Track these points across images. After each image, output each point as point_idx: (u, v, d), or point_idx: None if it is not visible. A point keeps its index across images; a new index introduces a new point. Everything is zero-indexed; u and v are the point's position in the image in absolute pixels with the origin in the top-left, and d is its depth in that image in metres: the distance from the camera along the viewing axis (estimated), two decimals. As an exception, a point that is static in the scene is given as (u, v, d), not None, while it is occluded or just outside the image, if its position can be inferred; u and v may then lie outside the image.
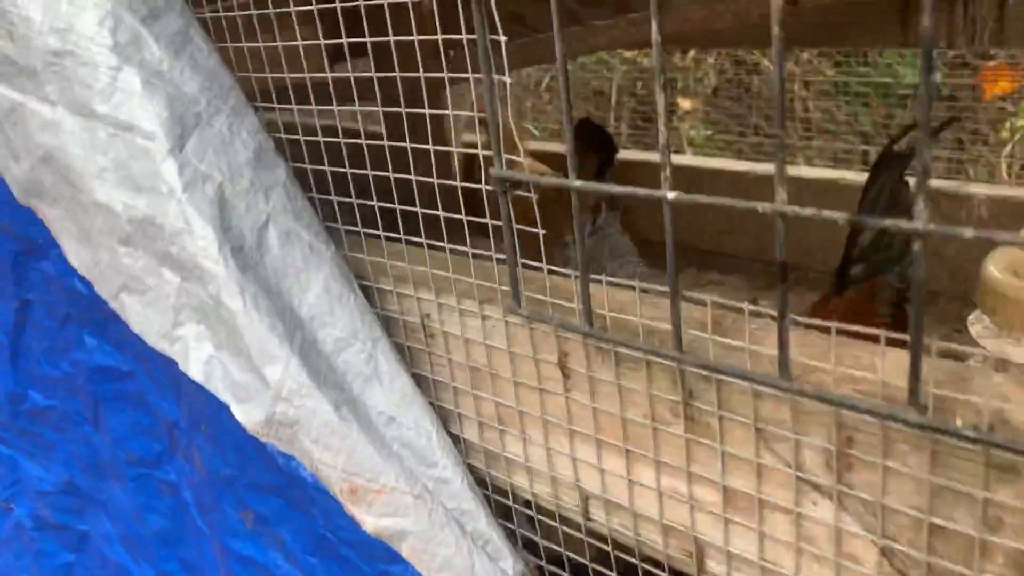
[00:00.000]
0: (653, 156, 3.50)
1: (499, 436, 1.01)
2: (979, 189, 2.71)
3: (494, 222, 0.86)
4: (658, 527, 0.89)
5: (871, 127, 4.38)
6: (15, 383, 1.50)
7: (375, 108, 1.01)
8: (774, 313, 0.83)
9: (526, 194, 0.86)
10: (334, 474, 0.96)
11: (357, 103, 1.02)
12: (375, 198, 0.99)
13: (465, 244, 0.96)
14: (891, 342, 0.70)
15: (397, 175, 0.96)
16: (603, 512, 0.94)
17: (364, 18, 0.93)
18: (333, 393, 0.96)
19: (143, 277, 1.00)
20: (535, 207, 0.89)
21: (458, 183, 0.93)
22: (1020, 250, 1.18)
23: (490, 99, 0.84)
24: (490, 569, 1.00)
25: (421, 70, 0.90)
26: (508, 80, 0.85)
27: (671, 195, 0.71)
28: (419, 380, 1.07)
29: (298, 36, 1.01)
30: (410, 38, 0.90)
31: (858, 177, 2.94)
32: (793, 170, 3.08)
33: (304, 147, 1.04)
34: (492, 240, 0.90)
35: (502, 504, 1.06)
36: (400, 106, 0.94)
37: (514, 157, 0.83)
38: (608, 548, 0.96)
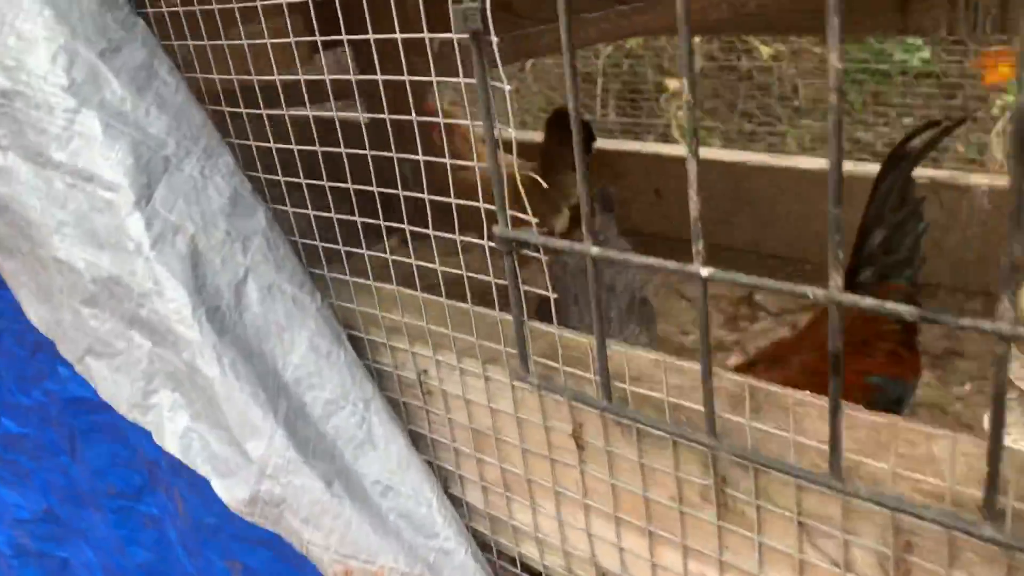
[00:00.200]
0: (642, 146, 3.41)
1: (505, 502, 0.93)
2: (981, 179, 2.64)
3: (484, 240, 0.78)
4: (684, 611, 0.82)
5: (860, 108, 4.31)
6: (-15, 409, 1.43)
7: (357, 114, 0.91)
8: (821, 402, 0.75)
9: (533, 253, 0.77)
10: (327, 556, 0.88)
11: (333, 104, 0.91)
12: (356, 211, 0.89)
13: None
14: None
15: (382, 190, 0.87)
16: (621, 589, 0.87)
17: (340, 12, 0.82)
18: (323, 466, 0.88)
19: (111, 340, 0.90)
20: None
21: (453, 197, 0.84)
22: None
23: (492, 153, 0.75)
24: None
25: (405, 69, 0.80)
26: (507, 87, 0.75)
27: (705, 272, 0.63)
28: (416, 437, 0.99)
29: (282, 27, 0.91)
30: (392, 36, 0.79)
31: (855, 167, 2.86)
32: (788, 160, 2.99)
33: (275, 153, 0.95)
34: (489, 258, 0.81)
35: (509, 572, 0.98)
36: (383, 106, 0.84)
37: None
38: (627, 626, 0.88)
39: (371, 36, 0.80)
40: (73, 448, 1.51)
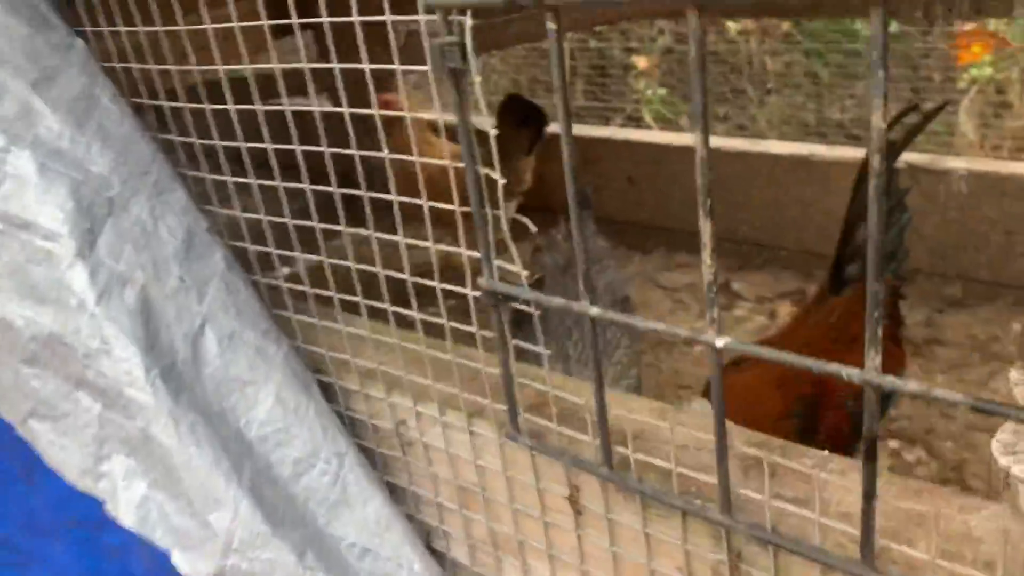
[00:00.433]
0: (614, 132, 3.34)
1: (495, 562, 0.86)
2: (958, 163, 2.60)
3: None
4: None
5: (827, 79, 4.26)
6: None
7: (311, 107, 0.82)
8: (843, 465, 0.69)
9: (517, 296, 0.70)
10: (303, 631, 0.80)
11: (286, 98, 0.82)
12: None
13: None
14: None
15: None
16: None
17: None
18: (294, 535, 0.80)
19: (56, 402, 0.82)
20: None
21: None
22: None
23: (475, 195, 0.67)
24: None
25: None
26: (493, 132, 0.67)
27: (720, 342, 0.56)
28: (395, 489, 0.92)
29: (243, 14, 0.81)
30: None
31: (829, 152, 2.82)
32: (762, 146, 2.94)
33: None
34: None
35: (499, 631, 0.92)
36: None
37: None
38: None
39: (325, 19, 0.70)
40: (31, 476, 1.43)
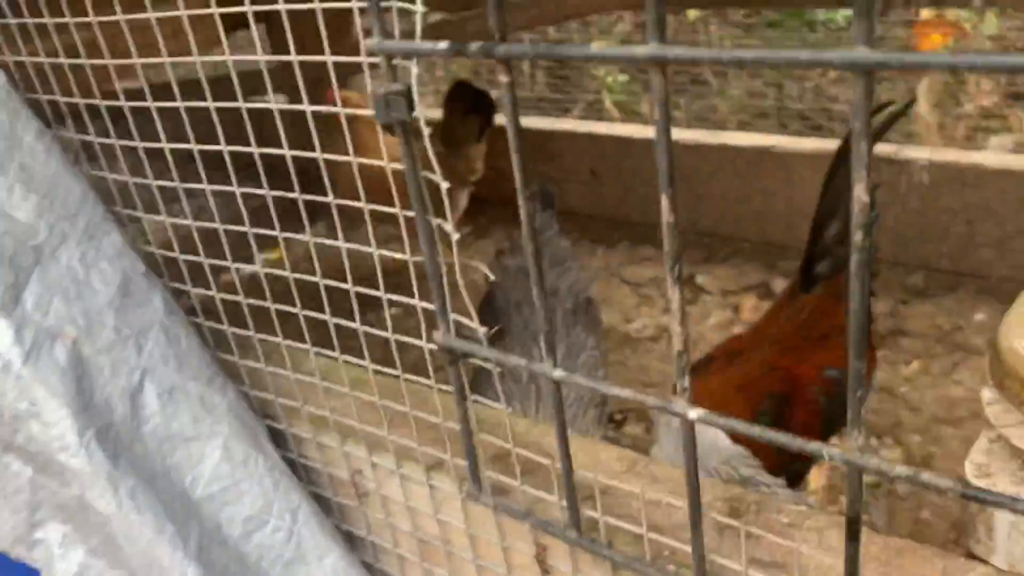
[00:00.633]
0: (576, 125, 3.29)
1: (459, 615, 0.82)
2: (919, 154, 2.60)
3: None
4: None
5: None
6: None
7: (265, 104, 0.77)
8: (803, 503, 0.65)
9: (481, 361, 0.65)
10: None
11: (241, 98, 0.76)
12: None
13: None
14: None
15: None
16: None
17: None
18: (248, 600, 0.76)
19: (-17, 467, 0.76)
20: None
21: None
22: (1037, 315, 1.03)
23: (429, 250, 0.63)
24: None
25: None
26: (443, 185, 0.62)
27: (693, 413, 0.52)
28: (352, 537, 0.87)
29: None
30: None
31: (791, 143, 2.80)
32: (724, 137, 2.91)
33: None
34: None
35: None
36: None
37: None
38: None
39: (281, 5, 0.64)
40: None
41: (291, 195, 0.73)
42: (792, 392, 1.67)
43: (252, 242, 0.77)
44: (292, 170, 0.73)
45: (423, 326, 0.69)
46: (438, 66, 4.58)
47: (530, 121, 3.35)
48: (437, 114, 3.09)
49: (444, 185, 0.58)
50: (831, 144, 2.73)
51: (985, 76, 3.97)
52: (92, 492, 0.71)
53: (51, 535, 0.76)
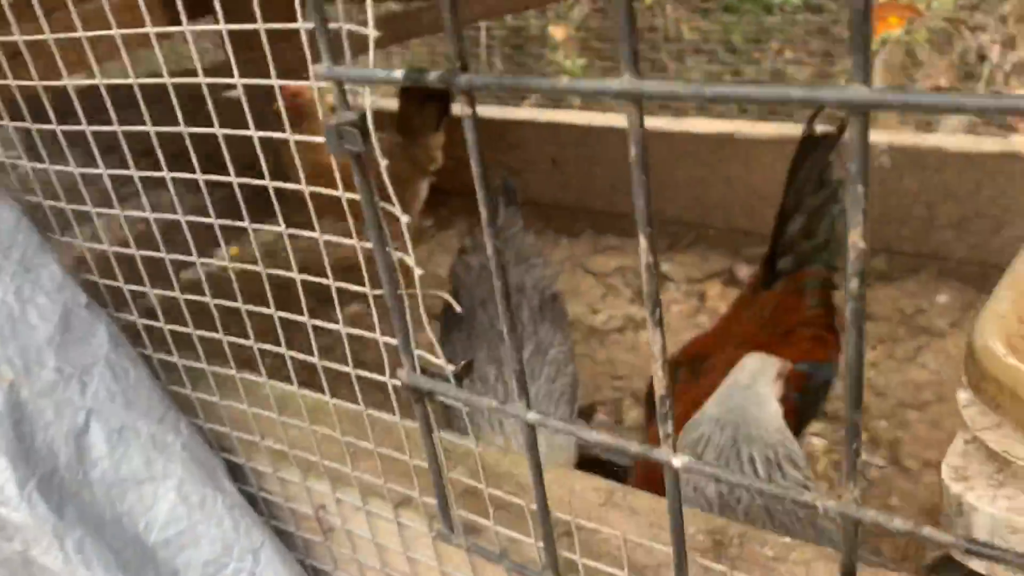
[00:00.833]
0: (536, 114, 3.25)
1: (433, 651, 0.79)
2: (880, 138, 2.60)
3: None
4: None
5: (742, 41, 4.24)
6: None
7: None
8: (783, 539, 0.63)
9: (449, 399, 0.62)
10: None
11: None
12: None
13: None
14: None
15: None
16: None
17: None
18: (208, 651, 0.72)
19: (-84, 521, 0.71)
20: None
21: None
22: (1012, 316, 1.02)
23: (391, 288, 0.59)
24: None
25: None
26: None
27: (677, 461, 0.49)
28: (319, 573, 0.84)
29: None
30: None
31: (752, 129, 2.79)
32: (685, 124, 2.89)
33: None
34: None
35: None
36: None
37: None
38: None
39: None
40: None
41: (258, 182, 0.69)
42: None
43: (192, 245, 0.73)
44: (230, 167, 0.68)
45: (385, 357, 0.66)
46: (394, 53, 4.50)
47: (489, 110, 3.30)
48: (393, 104, 3.03)
49: (404, 219, 0.54)
50: (792, 129, 2.72)
51: (939, 55, 3.99)
52: (36, 548, 0.67)
53: (-6, 591, 0.72)
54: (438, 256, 3.12)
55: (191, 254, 0.73)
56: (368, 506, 0.73)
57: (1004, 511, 0.93)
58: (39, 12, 0.71)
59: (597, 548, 0.63)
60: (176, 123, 0.70)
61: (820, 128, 1.78)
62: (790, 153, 2.74)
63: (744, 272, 2.72)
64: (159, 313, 0.76)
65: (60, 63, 0.73)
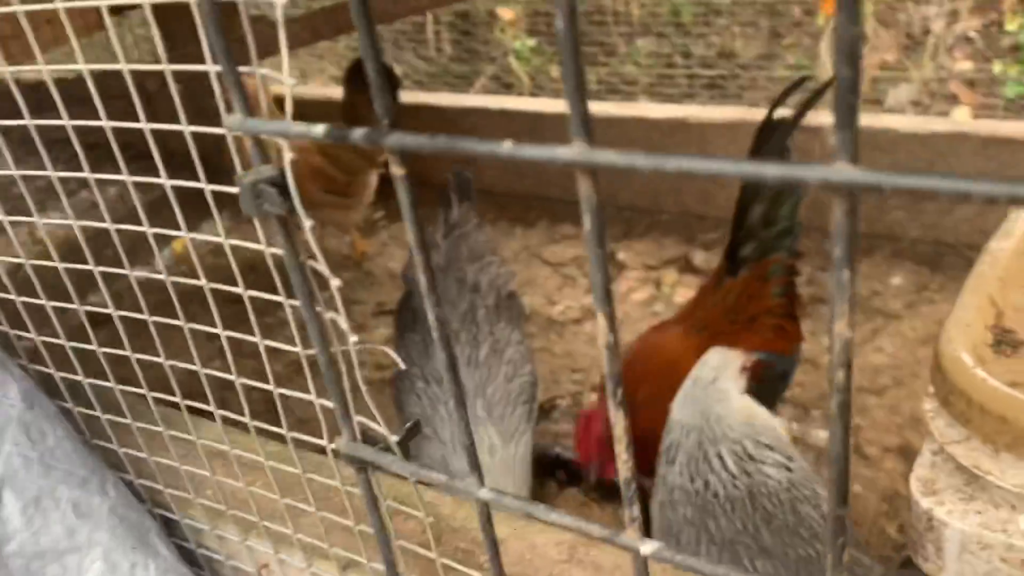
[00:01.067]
0: (488, 101, 3.18)
1: None
2: (830, 119, 2.57)
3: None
4: None
5: (691, 21, 4.22)
6: None
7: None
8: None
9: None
10: None
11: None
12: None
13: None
14: None
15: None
16: None
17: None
18: None
19: None
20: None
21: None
22: (978, 323, 0.99)
23: (321, 346, 0.53)
24: None
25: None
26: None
27: (645, 548, 0.44)
28: (267, 630, 0.78)
29: None
30: None
31: (704, 113, 2.76)
32: (635, 109, 2.85)
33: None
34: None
35: None
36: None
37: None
38: None
39: None
40: None
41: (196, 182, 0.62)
42: None
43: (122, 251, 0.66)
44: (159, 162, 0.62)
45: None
46: (339, 39, 4.39)
47: (439, 98, 3.23)
48: (338, 92, 2.95)
49: (335, 283, 0.48)
50: (744, 113, 2.70)
51: (884, 30, 4.00)
52: (-55, 638, 0.60)
53: None
54: (392, 249, 3.06)
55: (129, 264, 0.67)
56: (313, 567, 0.68)
57: (975, 527, 0.91)
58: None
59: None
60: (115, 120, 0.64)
61: (779, 113, 1.75)
62: (742, 137, 2.72)
63: (700, 259, 2.69)
64: (78, 368, 0.70)
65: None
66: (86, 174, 0.68)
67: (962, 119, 3.45)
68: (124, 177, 0.66)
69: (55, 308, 0.69)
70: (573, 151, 0.35)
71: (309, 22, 1.88)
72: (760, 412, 1.27)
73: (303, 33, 1.80)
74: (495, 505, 0.50)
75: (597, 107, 2.87)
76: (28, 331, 0.71)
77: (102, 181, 0.67)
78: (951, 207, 2.53)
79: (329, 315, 0.52)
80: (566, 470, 1.91)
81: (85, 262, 0.68)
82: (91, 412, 0.73)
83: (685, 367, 1.67)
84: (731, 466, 1.19)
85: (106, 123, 0.64)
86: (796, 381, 2.15)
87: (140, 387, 0.68)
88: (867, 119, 2.60)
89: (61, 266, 0.70)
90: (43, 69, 0.63)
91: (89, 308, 0.68)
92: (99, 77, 0.65)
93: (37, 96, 0.69)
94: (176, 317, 0.64)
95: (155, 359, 0.65)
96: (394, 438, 0.53)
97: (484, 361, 1.79)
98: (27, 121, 0.66)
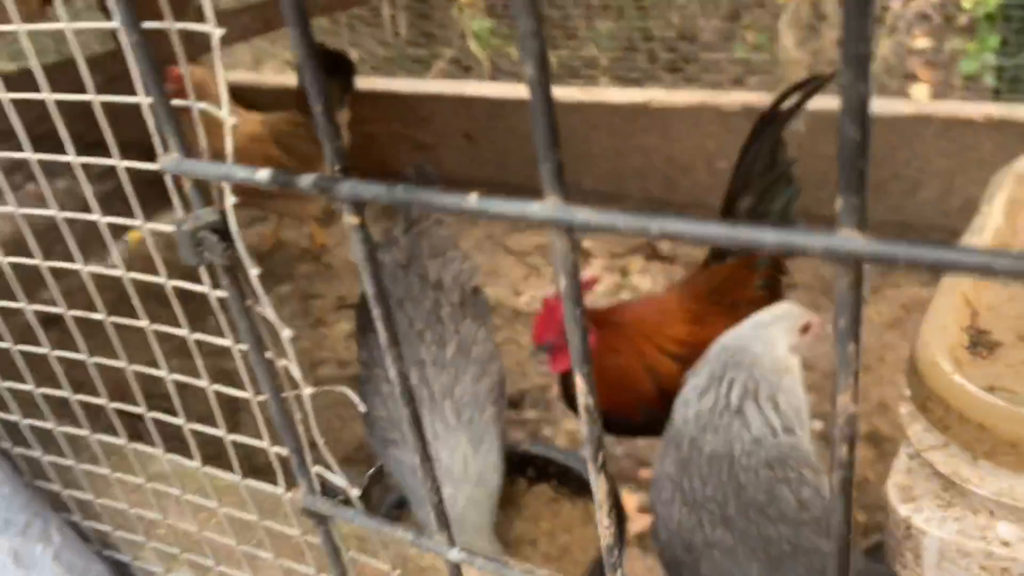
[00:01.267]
0: (447, 86, 3.12)
1: None
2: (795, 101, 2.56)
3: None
4: None
5: (650, 1, 4.19)
6: None
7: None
8: None
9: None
10: None
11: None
12: None
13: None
14: None
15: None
16: None
17: None
18: None
19: None
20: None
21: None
22: (952, 326, 0.97)
23: (275, 399, 0.49)
24: None
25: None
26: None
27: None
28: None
29: None
30: None
31: (667, 96, 2.73)
32: (598, 94, 2.81)
33: None
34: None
35: None
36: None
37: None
38: None
39: None
40: None
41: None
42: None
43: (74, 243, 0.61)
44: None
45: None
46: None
47: (397, 84, 3.16)
48: (293, 79, 2.87)
49: (286, 334, 0.44)
50: (706, 97, 2.67)
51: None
52: None
53: None
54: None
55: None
56: (275, 615, 0.64)
57: (954, 534, 0.89)
58: None
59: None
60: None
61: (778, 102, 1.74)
62: (705, 121, 2.70)
63: (666, 246, 2.67)
64: (12, 407, 0.65)
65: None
66: (28, 154, 0.63)
67: (921, 97, 3.47)
68: (71, 158, 0.61)
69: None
70: (547, 208, 0.32)
71: (261, 12, 1.82)
72: (794, 375, 1.26)
73: (254, 24, 1.73)
74: (467, 563, 0.47)
75: (559, 92, 2.83)
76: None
77: (50, 171, 0.63)
78: (914, 189, 2.53)
79: (281, 363, 0.48)
80: (535, 467, 1.88)
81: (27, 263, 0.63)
82: (31, 453, 0.68)
83: (675, 320, 1.67)
84: (734, 400, 1.18)
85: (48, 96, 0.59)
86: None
87: (80, 424, 0.63)
88: (830, 102, 2.59)
89: (7, 260, 0.66)
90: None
91: (39, 308, 0.63)
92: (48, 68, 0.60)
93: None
94: (129, 317, 0.59)
95: (98, 400, 0.61)
96: (355, 492, 0.49)
97: (451, 361, 1.75)
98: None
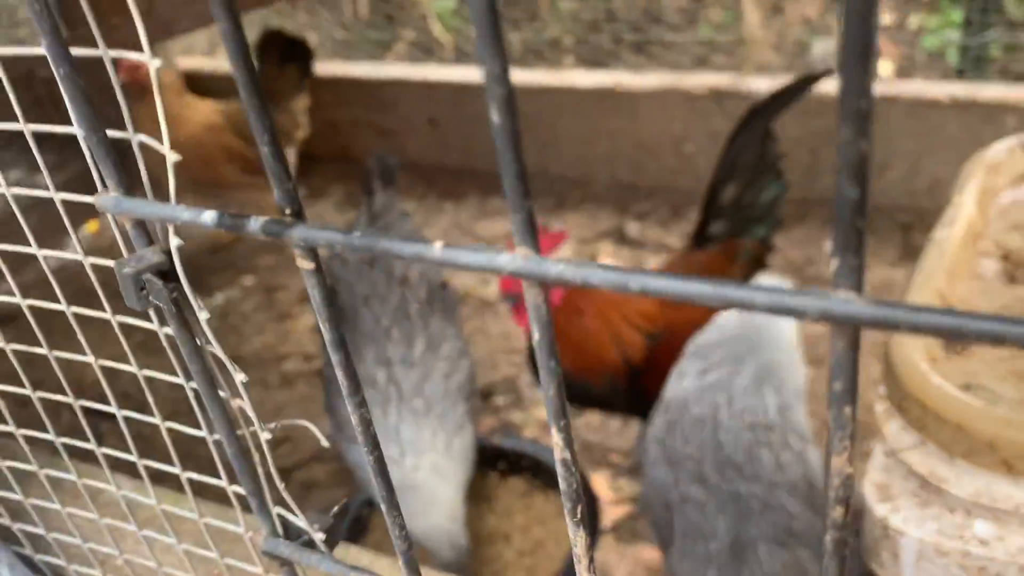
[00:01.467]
0: (411, 71, 3.07)
1: None
2: (761, 84, 2.55)
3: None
4: None
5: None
6: None
7: None
8: None
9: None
10: None
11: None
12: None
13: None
14: None
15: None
16: None
17: None
18: None
19: None
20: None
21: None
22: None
23: (227, 434, 0.46)
24: None
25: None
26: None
27: None
28: None
29: None
30: None
31: (635, 80, 2.70)
32: (565, 78, 2.77)
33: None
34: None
35: None
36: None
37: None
38: None
39: None
40: None
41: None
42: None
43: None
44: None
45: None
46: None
47: (357, 68, 3.11)
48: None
49: (240, 378, 0.41)
50: (673, 80, 2.65)
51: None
52: None
53: None
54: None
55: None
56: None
57: (932, 534, 0.88)
58: None
59: None
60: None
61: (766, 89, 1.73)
62: (671, 104, 2.68)
63: (634, 230, 2.66)
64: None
65: None
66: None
67: (885, 73, 3.47)
68: (21, 126, 0.56)
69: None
70: (517, 261, 0.29)
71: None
72: (795, 348, 1.27)
73: (210, 10, 1.67)
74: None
75: (525, 75, 2.79)
76: None
77: (2, 162, 0.59)
78: (880, 170, 2.54)
79: (236, 403, 0.45)
80: (507, 460, 1.87)
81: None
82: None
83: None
84: (743, 380, 1.20)
85: None
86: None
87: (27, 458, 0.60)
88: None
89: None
90: None
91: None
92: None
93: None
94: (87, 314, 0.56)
95: (45, 435, 0.57)
96: (319, 535, 0.47)
97: (420, 359, 1.73)
98: None
